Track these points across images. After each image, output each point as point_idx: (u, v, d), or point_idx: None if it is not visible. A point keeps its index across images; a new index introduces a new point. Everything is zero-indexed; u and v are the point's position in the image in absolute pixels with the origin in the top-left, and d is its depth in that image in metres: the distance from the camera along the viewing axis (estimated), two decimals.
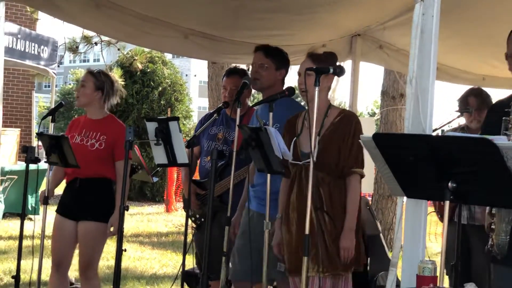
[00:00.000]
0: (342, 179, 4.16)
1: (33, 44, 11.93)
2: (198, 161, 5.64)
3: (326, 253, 4.07)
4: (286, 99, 4.53)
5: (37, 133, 5.23)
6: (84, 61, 56.50)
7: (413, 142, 3.11)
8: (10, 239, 10.05)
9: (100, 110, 5.27)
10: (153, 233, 11.92)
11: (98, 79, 5.24)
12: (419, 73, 3.43)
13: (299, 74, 4.22)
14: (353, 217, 4.12)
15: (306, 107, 4.31)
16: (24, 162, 5.17)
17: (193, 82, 59.24)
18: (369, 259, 5.99)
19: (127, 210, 4.44)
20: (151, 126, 4.37)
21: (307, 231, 3.80)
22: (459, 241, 3.89)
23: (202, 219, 5.42)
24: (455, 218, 4.86)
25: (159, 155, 4.41)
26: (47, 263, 6.91)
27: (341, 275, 4.13)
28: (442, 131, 5.52)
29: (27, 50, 11.78)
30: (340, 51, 6.70)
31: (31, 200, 11.03)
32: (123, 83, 5.67)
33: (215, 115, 5.19)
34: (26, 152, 4.93)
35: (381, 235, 6.28)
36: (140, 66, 12.78)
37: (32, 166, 4.94)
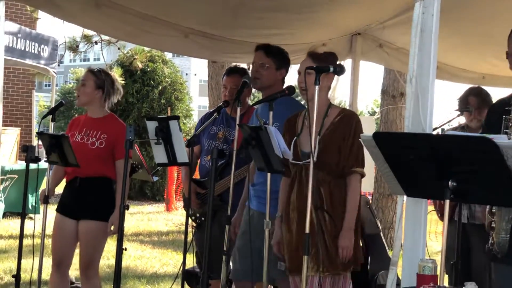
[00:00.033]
0: (342, 179, 4.16)
1: (33, 43, 11.93)
2: (198, 160, 5.64)
3: (326, 252, 4.07)
4: (286, 98, 4.53)
5: (37, 132, 5.22)
6: (85, 60, 56.51)
7: (413, 141, 3.11)
8: (10, 238, 10.05)
9: (101, 109, 5.27)
10: (154, 232, 11.93)
11: (99, 78, 5.24)
12: (419, 72, 3.44)
13: (299, 73, 4.22)
14: (352, 216, 4.12)
15: (306, 106, 4.31)
16: (24, 162, 5.17)
17: (193, 81, 59.22)
18: (369, 258, 6.00)
19: (128, 209, 4.44)
20: (151, 125, 4.37)
21: (307, 230, 3.80)
22: (459, 240, 3.91)
23: (203, 218, 5.42)
24: (455, 217, 4.89)
25: (159, 154, 4.41)
26: (48, 262, 6.91)
27: (340, 275, 4.13)
28: (442, 130, 5.52)
29: (27, 49, 11.78)
30: (340, 50, 6.70)
31: (31, 199, 11.03)
32: (123, 82, 5.66)
33: (215, 114, 5.19)
34: (26, 152, 4.92)
35: (381, 234, 6.29)
36: (140, 65, 12.77)
37: (32, 166, 4.94)
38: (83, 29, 10.29)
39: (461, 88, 6.18)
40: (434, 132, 4.02)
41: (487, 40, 6.19)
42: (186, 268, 4.60)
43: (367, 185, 9.32)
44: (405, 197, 3.42)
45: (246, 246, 4.52)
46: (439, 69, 4.05)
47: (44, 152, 4.97)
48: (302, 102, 5.03)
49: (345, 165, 4.13)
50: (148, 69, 16.68)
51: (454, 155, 2.92)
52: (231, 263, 4.94)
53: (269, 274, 4.31)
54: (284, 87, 4.74)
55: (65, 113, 35.70)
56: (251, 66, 5.31)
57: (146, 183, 15.94)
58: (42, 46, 12.20)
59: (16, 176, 11.29)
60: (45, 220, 5.31)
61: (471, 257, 5.40)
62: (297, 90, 4.50)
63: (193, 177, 5.48)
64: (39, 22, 15.21)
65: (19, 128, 13.04)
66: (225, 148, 5.24)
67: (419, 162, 3.04)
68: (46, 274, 5.82)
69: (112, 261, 6.88)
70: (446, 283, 3.20)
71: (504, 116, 3.62)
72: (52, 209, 5.33)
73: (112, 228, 5.04)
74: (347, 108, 6.49)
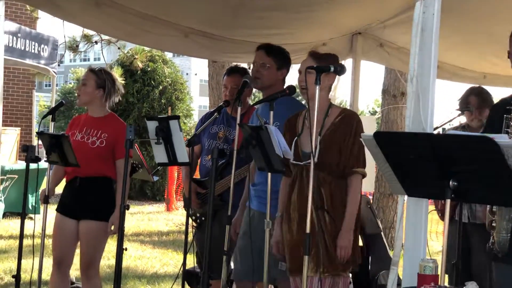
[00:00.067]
0: (343, 179, 4.15)
1: (33, 43, 11.92)
2: (199, 160, 5.63)
3: (326, 253, 4.07)
4: (287, 97, 4.52)
5: (37, 132, 5.22)
6: (85, 60, 56.48)
7: (414, 140, 3.11)
8: (10, 238, 10.04)
9: (102, 108, 5.26)
10: (154, 232, 11.92)
11: (100, 77, 5.23)
12: (419, 72, 3.43)
13: (300, 72, 4.22)
14: (352, 216, 4.11)
15: (307, 106, 4.31)
16: (24, 161, 5.16)
17: (194, 81, 59.22)
18: (370, 258, 6.00)
19: (128, 209, 4.43)
20: (151, 125, 4.37)
21: (308, 231, 3.79)
22: (460, 239, 3.90)
23: (203, 218, 5.42)
24: (456, 217, 4.88)
25: (160, 154, 4.40)
26: (48, 262, 6.91)
27: (340, 276, 4.12)
28: (443, 129, 5.52)
29: (27, 49, 11.77)
30: (341, 50, 6.70)
31: (31, 199, 11.03)
32: (123, 82, 5.65)
33: (215, 113, 5.19)
34: (27, 151, 4.91)
35: (382, 233, 6.28)
36: (140, 65, 12.77)
37: (33, 165, 4.93)
38: (83, 29, 10.27)
39: (462, 87, 6.18)
40: (435, 132, 4.01)
41: (488, 39, 6.18)
42: (186, 268, 4.59)
43: (368, 185, 9.31)
44: (406, 196, 3.42)
45: (247, 246, 4.52)
46: (440, 68, 4.04)
47: (44, 152, 4.96)
48: (303, 102, 5.03)
49: (346, 165, 4.12)
50: (149, 69, 16.68)
51: (455, 155, 2.92)
52: (231, 263, 4.94)
53: (270, 274, 4.31)
54: (284, 87, 4.73)
55: (65, 113, 35.71)
56: (251, 65, 5.31)
57: (147, 183, 15.94)
58: (42, 45, 12.20)
59: (16, 176, 11.29)
60: (45, 220, 5.30)
61: (472, 257, 5.40)
62: (297, 90, 4.50)
63: (194, 177, 5.47)
64: (39, 22, 15.22)
65: (19, 128, 13.04)
66: (225, 148, 5.24)
67: (420, 161, 3.04)
68: (46, 274, 5.82)
69: (113, 261, 6.87)
70: (446, 283, 3.19)
71: (505, 116, 3.61)
72: (52, 209, 5.32)
73: (112, 228, 5.04)
74: (348, 108, 6.50)
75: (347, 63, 6.94)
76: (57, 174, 5.35)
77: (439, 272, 3.09)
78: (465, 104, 5.68)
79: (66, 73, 56.78)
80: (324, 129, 4.16)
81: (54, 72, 12.66)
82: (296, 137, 4.22)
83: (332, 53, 4.35)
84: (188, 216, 4.82)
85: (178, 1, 5.82)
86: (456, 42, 6.32)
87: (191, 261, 5.14)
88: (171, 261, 9.12)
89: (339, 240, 4.06)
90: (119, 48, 11.81)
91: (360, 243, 5.87)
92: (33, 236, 5.58)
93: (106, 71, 5.33)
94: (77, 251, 5.27)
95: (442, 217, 5.65)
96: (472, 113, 5.64)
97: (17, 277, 4.94)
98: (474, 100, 5.65)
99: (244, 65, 6.77)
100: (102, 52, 10.71)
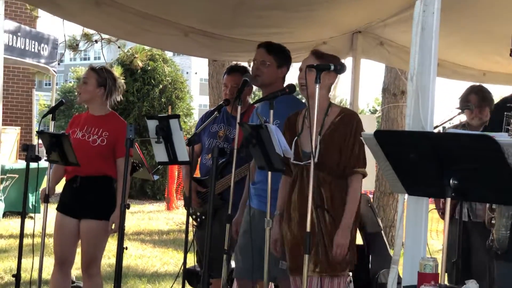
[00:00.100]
0: (343, 179, 4.14)
1: (33, 42, 11.92)
2: (199, 159, 5.64)
3: (324, 253, 4.06)
4: (287, 96, 4.52)
5: (37, 131, 5.21)
6: (85, 59, 56.45)
7: (414, 139, 3.11)
8: (10, 237, 10.04)
9: (102, 107, 5.26)
10: (154, 231, 11.93)
11: (101, 76, 5.23)
12: (419, 70, 3.43)
13: (301, 69, 4.22)
14: (351, 215, 4.10)
15: (307, 104, 4.30)
16: (24, 161, 5.15)
17: (194, 80, 59.20)
18: (370, 256, 6.00)
19: (128, 208, 4.43)
20: (151, 124, 4.36)
21: (308, 229, 3.79)
22: (460, 238, 3.91)
23: (203, 217, 5.42)
24: (456, 215, 4.89)
25: (160, 153, 4.40)
26: (48, 262, 6.91)
27: (338, 276, 4.12)
28: (444, 128, 5.52)
29: (27, 48, 11.77)
30: (341, 48, 6.70)
31: (31, 199, 11.02)
32: (123, 81, 5.65)
33: (216, 112, 5.19)
34: (27, 151, 4.91)
35: (382, 232, 6.29)
36: (140, 64, 12.76)
37: (33, 165, 4.93)
38: (83, 28, 10.28)
39: (462, 86, 6.18)
40: (435, 130, 4.02)
41: (488, 37, 6.19)
42: (187, 267, 4.59)
43: (368, 184, 9.33)
44: (406, 195, 3.42)
45: (248, 244, 4.52)
46: (440, 66, 4.04)
47: (44, 151, 4.96)
48: (303, 100, 5.02)
49: (347, 165, 4.12)
50: (149, 67, 16.67)
51: (455, 154, 2.92)
52: (232, 262, 4.94)
53: (271, 272, 4.31)
54: (284, 85, 4.73)
55: (65, 112, 35.75)
56: (251, 63, 5.30)
57: (147, 182, 15.95)
58: (42, 44, 12.20)
59: (17, 176, 11.28)
60: (45, 219, 5.30)
61: (472, 256, 5.40)
62: (297, 88, 4.49)
63: (194, 176, 5.47)
64: (39, 21, 15.20)
65: (19, 127, 13.04)
66: (226, 147, 5.24)
67: (420, 160, 3.04)
68: (47, 274, 5.82)
69: (113, 260, 6.87)
70: (446, 282, 3.19)
71: (505, 113, 3.62)
72: (52, 208, 5.32)
73: (113, 227, 5.04)
74: (348, 106, 6.50)
75: (347, 61, 6.94)
76: (57, 173, 5.35)
77: (439, 271, 3.09)
78: (465, 103, 5.68)
79: (66, 72, 56.79)
80: (324, 128, 4.15)
81: (54, 71, 12.66)
82: (296, 137, 4.22)
83: (334, 55, 4.34)
84: (188, 215, 4.82)
85: (178, 0, 5.82)
86: (456, 40, 6.32)
87: (192, 260, 5.14)
88: (171, 260, 9.12)
89: (336, 238, 4.05)
90: (119, 47, 11.81)
91: (361, 241, 5.88)
92: (33, 236, 5.58)
93: (107, 70, 5.33)
94: (78, 250, 5.27)
95: (442, 216, 5.66)
96: (472, 112, 5.63)
97: (17, 276, 4.94)
98: (474, 99, 5.65)
99: (244, 64, 6.77)
100: (102, 51, 10.70)
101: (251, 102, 5.56)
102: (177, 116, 4.39)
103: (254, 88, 5.46)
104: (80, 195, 5.14)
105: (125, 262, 8.11)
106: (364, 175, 4.17)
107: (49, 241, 7.74)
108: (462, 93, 5.79)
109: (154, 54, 16.74)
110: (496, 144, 2.77)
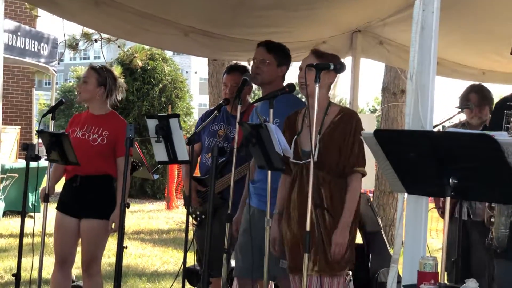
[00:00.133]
0: (343, 178, 4.14)
1: (33, 41, 11.92)
2: (199, 158, 5.64)
3: (324, 252, 4.06)
4: (287, 95, 4.52)
5: (37, 131, 5.21)
6: (85, 58, 56.42)
7: (414, 138, 3.11)
8: (10, 237, 10.05)
9: (103, 106, 5.26)
10: (154, 230, 11.93)
11: (101, 75, 5.22)
12: (419, 69, 3.43)
13: (301, 69, 4.22)
14: (350, 214, 4.10)
15: (306, 103, 4.31)
16: (24, 160, 5.16)
17: (194, 79, 59.17)
18: (370, 255, 6.00)
19: (128, 207, 4.43)
20: (151, 123, 4.36)
21: (308, 229, 3.79)
22: (460, 237, 3.91)
23: (203, 216, 5.42)
24: (456, 214, 4.89)
25: (160, 152, 4.40)
26: (48, 261, 6.92)
27: (338, 275, 4.12)
28: (443, 127, 5.52)
29: (27, 48, 11.77)
30: (341, 48, 6.70)
31: (31, 198, 11.03)
32: (123, 80, 5.65)
33: (215, 112, 5.19)
34: (27, 150, 4.91)
35: (382, 231, 6.29)
36: (140, 63, 12.76)
37: (33, 164, 4.93)
38: (82, 27, 10.28)
39: (462, 85, 6.19)
40: (435, 129, 4.02)
41: (488, 36, 6.19)
42: (186, 266, 4.59)
43: (368, 183, 9.33)
44: (406, 194, 3.42)
45: (248, 243, 4.52)
46: (439, 65, 4.05)
47: (44, 150, 4.96)
48: (303, 99, 5.03)
49: (346, 165, 4.12)
50: (148, 67, 16.68)
51: (455, 153, 2.92)
52: (232, 261, 4.94)
53: (270, 271, 4.31)
54: (284, 84, 4.73)
55: (65, 112, 35.72)
56: (251, 62, 5.30)
57: (147, 181, 15.95)
58: (42, 44, 12.19)
59: (16, 175, 11.28)
60: (45, 218, 5.30)
61: (472, 254, 5.40)
62: (297, 87, 4.50)
63: (194, 175, 5.47)
64: (39, 20, 15.19)
65: (19, 127, 13.05)
66: (225, 146, 5.24)
67: (420, 159, 3.04)
68: (47, 273, 5.82)
69: (113, 259, 6.88)
70: (445, 281, 3.20)
71: (505, 111, 3.62)
72: (52, 207, 5.32)
73: (113, 226, 5.04)
74: (348, 105, 6.50)
75: (347, 61, 6.94)
76: (57, 172, 5.35)
77: (439, 270, 3.10)
78: (465, 102, 5.68)
79: (66, 72, 56.77)
80: (324, 127, 4.15)
81: (54, 70, 12.66)
82: (295, 136, 4.22)
83: (334, 54, 4.34)
84: (188, 214, 4.82)
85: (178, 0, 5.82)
86: (455, 39, 6.33)
87: (192, 259, 5.15)
88: (171, 259, 9.12)
89: (334, 237, 4.05)
90: (119, 47, 11.81)
91: (360, 241, 5.88)
92: (33, 235, 5.59)
93: (107, 69, 5.33)
94: (78, 249, 5.27)
95: (442, 215, 5.66)
96: (472, 111, 5.63)
97: (17, 275, 4.94)
98: (474, 98, 5.65)
99: (244, 63, 6.77)
100: (102, 51, 10.70)
101: (251, 101, 5.55)
102: (177, 116, 4.39)
103: (254, 87, 5.46)
104: (80, 195, 5.14)
105: (125, 261, 8.12)
106: (364, 174, 4.17)
107: (49, 241, 7.75)
108: (462, 92, 5.79)
109: (153, 54, 16.74)
110: (495, 143, 2.77)
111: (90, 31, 10.70)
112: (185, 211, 5.30)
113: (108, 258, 8.25)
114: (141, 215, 13.70)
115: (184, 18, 6.17)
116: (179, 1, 5.85)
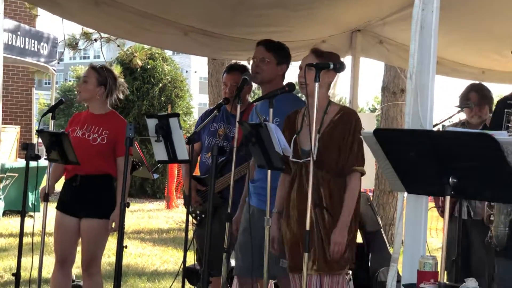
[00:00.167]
0: (342, 177, 4.14)
1: (32, 41, 11.92)
2: (199, 158, 5.64)
3: (323, 251, 4.06)
4: (287, 94, 4.51)
5: (37, 130, 5.21)
6: (84, 58, 56.43)
7: (413, 137, 3.11)
8: (10, 236, 10.05)
9: (103, 105, 5.25)
10: (154, 229, 11.93)
11: (101, 75, 5.22)
12: (418, 69, 3.43)
13: (301, 68, 4.22)
14: (349, 213, 4.10)
15: (306, 102, 4.31)
16: (24, 159, 5.16)
17: (194, 79, 59.14)
18: (370, 254, 6.00)
19: (128, 207, 4.43)
20: (151, 123, 4.36)
21: (307, 228, 3.79)
22: (459, 236, 3.91)
23: (203, 216, 5.42)
24: (456, 213, 4.89)
25: (160, 152, 4.40)
26: (48, 261, 6.92)
27: (338, 274, 4.12)
28: (443, 126, 5.53)
29: (26, 47, 11.76)
30: (340, 47, 6.70)
31: (31, 198, 11.03)
32: (123, 79, 5.65)
33: (215, 111, 5.19)
34: (26, 149, 4.91)
35: (382, 230, 6.29)
36: (140, 62, 12.77)
37: (32, 163, 4.93)
38: (82, 27, 10.28)
39: (462, 84, 6.19)
40: (435, 129, 4.02)
41: (488, 35, 6.19)
42: (186, 265, 4.59)
43: (368, 182, 9.33)
44: (405, 193, 3.42)
45: (247, 242, 4.52)
46: (439, 64, 4.04)
47: (44, 150, 4.96)
48: (303, 98, 5.03)
49: (345, 164, 4.12)
50: (148, 66, 16.67)
51: (455, 152, 2.92)
52: (232, 260, 4.94)
53: (270, 271, 4.31)
54: (284, 83, 4.73)
55: (65, 111, 35.71)
56: (251, 61, 5.30)
57: (147, 180, 15.94)
58: (42, 43, 12.19)
59: (16, 174, 11.28)
60: (45, 218, 5.30)
61: (471, 253, 5.40)
62: (297, 87, 4.50)
63: (194, 174, 5.47)
64: (39, 20, 15.21)
65: (19, 126, 13.05)
66: (225, 145, 5.24)
67: (419, 158, 3.04)
68: (47, 272, 5.82)
69: (113, 259, 6.88)
70: (445, 280, 3.20)
71: (506, 110, 3.62)
72: (52, 207, 5.32)
73: (113, 225, 5.04)
74: (347, 105, 6.50)
75: (347, 60, 6.94)
76: (56, 171, 5.34)
77: (438, 269, 3.09)
78: (465, 101, 5.68)
79: (66, 71, 56.80)
80: (323, 127, 4.15)
81: (54, 70, 12.66)
82: (295, 135, 4.22)
83: (334, 52, 4.34)
84: (188, 213, 4.82)
85: None
86: (455, 38, 6.33)
87: (191, 259, 5.15)
88: (171, 259, 9.13)
89: (333, 236, 4.05)
90: (118, 46, 11.81)
91: (360, 240, 5.88)
92: (32, 234, 5.59)
93: (107, 69, 5.33)
94: (79, 248, 5.28)
95: (442, 214, 5.66)
96: (471, 110, 5.64)
97: (17, 275, 4.94)
98: (474, 97, 5.65)
99: (244, 62, 6.77)
100: (101, 50, 10.71)
101: (251, 101, 5.55)
102: (177, 115, 4.39)
103: (254, 86, 5.46)
104: (80, 194, 5.14)
105: (125, 260, 8.12)
106: (363, 173, 4.17)
107: (49, 240, 7.76)
108: (462, 91, 5.79)
109: (153, 53, 16.74)
110: (495, 142, 2.77)
111: (90, 30, 10.71)
112: (185, 210, 5.30)
113: (108, 257, 8.25)
114: (141, 214, 13.70)
115: (184, 17, 6.17)
116: (179, 0, 5.85)
